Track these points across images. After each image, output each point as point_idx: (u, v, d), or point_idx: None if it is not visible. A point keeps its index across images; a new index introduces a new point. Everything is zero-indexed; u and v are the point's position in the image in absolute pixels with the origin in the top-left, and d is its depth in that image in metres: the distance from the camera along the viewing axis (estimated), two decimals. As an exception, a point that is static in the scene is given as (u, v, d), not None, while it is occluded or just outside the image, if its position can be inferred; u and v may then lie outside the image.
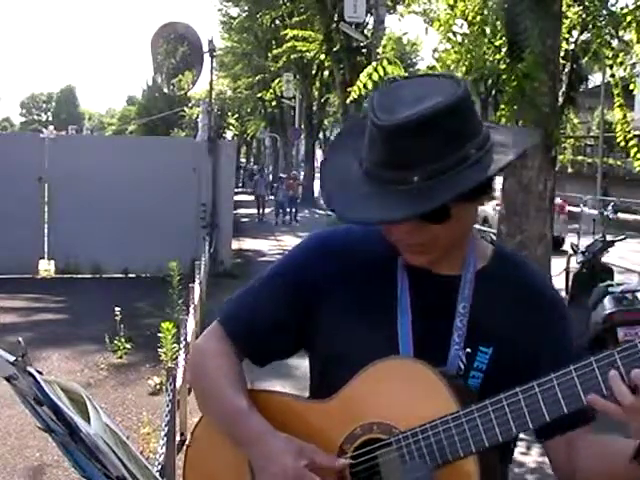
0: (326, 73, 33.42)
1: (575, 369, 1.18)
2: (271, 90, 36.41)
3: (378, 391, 1.29)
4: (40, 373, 1.15)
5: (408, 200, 1.21)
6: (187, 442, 1.48)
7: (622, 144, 7.92)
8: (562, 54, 7.86)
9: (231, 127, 51.50)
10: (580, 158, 31.26)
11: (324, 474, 1.26)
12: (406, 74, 8.40)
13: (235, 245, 15.46)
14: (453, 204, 1.23)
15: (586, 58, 8.33)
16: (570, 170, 31.31)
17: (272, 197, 26.81)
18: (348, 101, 9.03)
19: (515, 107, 7.23)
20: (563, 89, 8.12)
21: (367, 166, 1.27)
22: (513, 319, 1.36)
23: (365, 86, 7.61)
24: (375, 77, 7.61)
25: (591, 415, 1.33)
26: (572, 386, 1.18)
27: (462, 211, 1.27)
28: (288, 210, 24.16)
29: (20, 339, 1.20)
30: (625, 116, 7.98)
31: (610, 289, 6.69)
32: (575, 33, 8.14)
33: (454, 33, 7.88)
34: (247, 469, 1.36)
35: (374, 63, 7.81)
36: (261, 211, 25.38)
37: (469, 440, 1.22)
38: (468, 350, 1.33)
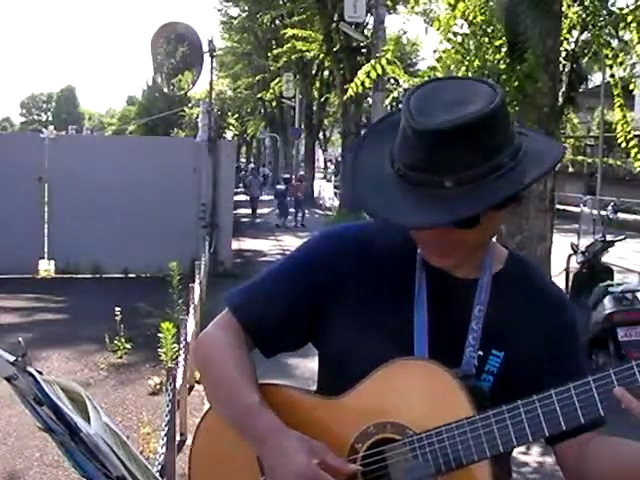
0: (326, 73, 33.46)
1: (594, 380, 1.18)
2: (271, 90, 36.40)
3: (393, 391, 1.29)
4: (40, 373, 1.15)
5: (439, 206, 1.21)
6: (192, 436, 1.47)
7: (623, 144, 7.92)
8: (562, 54, 7.86)
9: (231, 127, 51.50)
10: (580, 158, 31.25)
11: (335, 474, 1.25)
12: (406, 74, 8.42)
13: (235, 245, 15.46)
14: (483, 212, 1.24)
15: (586, 58, 8.32)
16: (570, 170, 31.31)
17: (274, 198, 25.62)
18: (345, 98, 9.03)
19: (517, 108, 7.23)
20: (563, 89, 8.11)
21: (399, 167, 1.26)
22: (526, 325, 1.37)
23: (362, 84, 7.61)
24: (373, 75, 7.61)
25: (601, 420, 1.33)
26: (590, 396, 1.18)
27: (490, 218, 1.28)
28: (294, 212, 23.00)
29: (20, 339, 1.21)
30: (625, 116, 7.98)
31: (610, 289, 6.68)
32: (575, 33, 8.13)
33: (454, 33, 7.87)
34: (256, 466, 1.35)
35: (372, 61, 7.81)
36: (255, 213, 24.48)
37: (484, 445, 1.22)
38: (480, 353, 1.34)
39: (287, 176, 27.48)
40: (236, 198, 19.11)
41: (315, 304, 1.40)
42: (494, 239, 1.46)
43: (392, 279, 1.39)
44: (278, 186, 25.74)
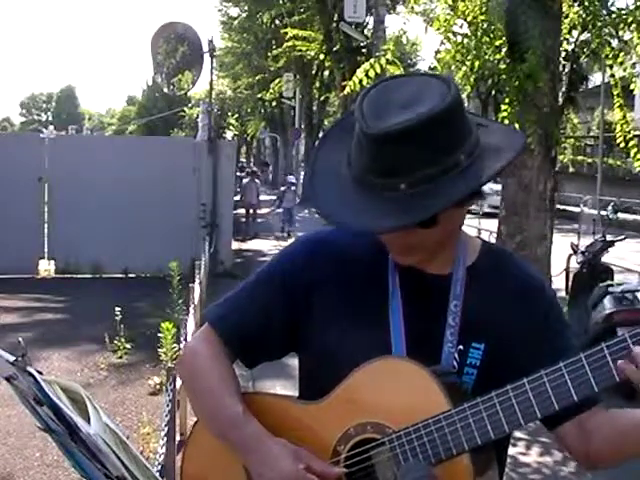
0: (326, 73, 33.45)
1: (585, 356, 1.18)
2: (271, 90, 36.40)
3: (371, 391, 1.30)
4: (40, 373, 1.15)
5: (396, 209, 1.20)
6: (185, 441, 1.49)
7: (622, 145, 7.92)
8: (562, 54, 7.87)
9: (231, 127, 51.49)
10: (580, 158, 31.24)
11: (320, 478, 1.27)
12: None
13: (235, 245, 15.44)
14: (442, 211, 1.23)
15: (586, 58, 8.33)
16: (570, 170, 31.30)
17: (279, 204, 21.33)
18: (341, 95, 9.04)
19: (517, 108, 7.23)
20: (563, 89, 8.12)
21: (355, 171, 1.26)
22: (504, 313, 1.37)
23: (361, 82, 7.62)
24: (372, 74, 7.62)
25: (597, 397, 1.32)
26: (583, 374, 1.18)
27: (451, 214, 1.27)
28: None
29: (20, 339, 1.20)
30: (625, 116, 7.98)
31: (610, 289, 6.68)
32: (575, 33, 8.14)
33: (454, 33, 7.88)
34: (243, 472, 1.37)
35: (372, 60, 7.81)
36: (254, 219, 20.38)
37: (461, 438, 1.22)
38: (460, 347, 1.34)
39: (294, 181, 24.60)
40: (236, 198, 18.93)
41: (292, 311, 1.41)
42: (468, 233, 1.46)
43: (367, 280, 1.40)
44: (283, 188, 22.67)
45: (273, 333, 1.43)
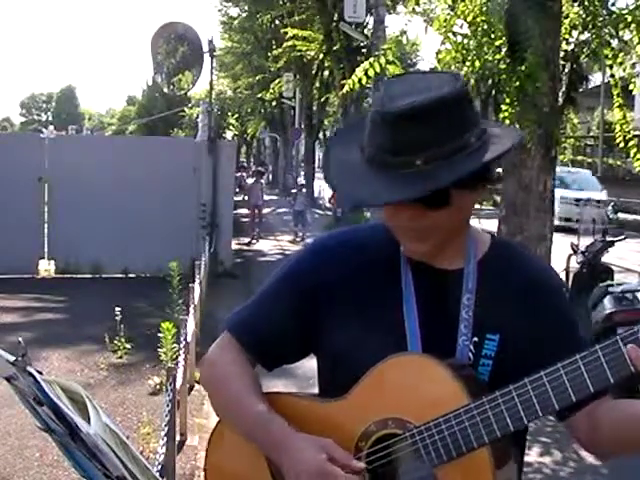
0: (326, 73, 33.41)
1: (601, 348, 1.21)
2: (271, 90, 36.37)
3: (390, 387, 1.32)
4: (40, 373, 1.15)
5: (411, 182, 1.26)
6: (207, 440, 1.51)
7: (622, 144, 7.92)
8: (562, 54, 7.86)
9: (231, 127, 51.48)
10: (580, 158, 31.26)
11: (343, 468, 1.29)
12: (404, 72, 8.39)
13: (235, 245, 15.45)
14: (453, 190, 1.29)
15: (586, 58, 8.32)
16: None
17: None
18: (340, 94, 9.03)
19: (517, 108, 7.22)
20: (563, 89, 8.11)
21: (370, 152, 1.32)
22: (516, 305, 1.40)
23: (360, 81, 7.61)
24: (371, 73, 7.61)
25: (605, 388, 1.34)
26: (599, 365, 1.20)
27: (461, 199, 1.32)
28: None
29: (20, 339, 1.20)
30: (625, 116, 7.98)
31: (610, 289, 6.69)
32: (575, 33, 8.13)
33: (454, 33, 7.87)
34: (266, 466, 1.40)
35: (371, 59, 7.80)
36: (260, 222, 19.11)
37: (481, 431, 1.25)
38: (475, 339, 1.37)
39: (303, 182, 23.58)
40: (236, 198, 18.91)
41: (303, 314, 1.45)
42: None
43: (381, 280, 1.43)
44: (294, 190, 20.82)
45: (289, 336, 1.47)
